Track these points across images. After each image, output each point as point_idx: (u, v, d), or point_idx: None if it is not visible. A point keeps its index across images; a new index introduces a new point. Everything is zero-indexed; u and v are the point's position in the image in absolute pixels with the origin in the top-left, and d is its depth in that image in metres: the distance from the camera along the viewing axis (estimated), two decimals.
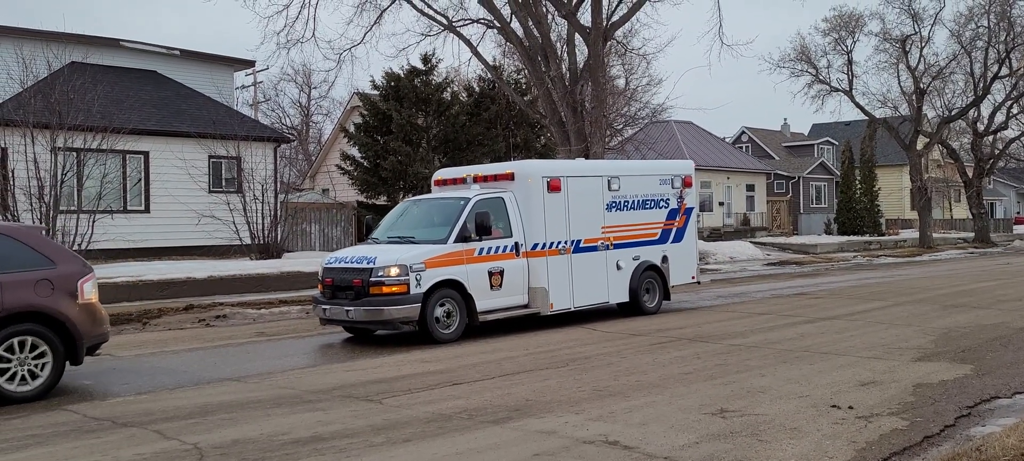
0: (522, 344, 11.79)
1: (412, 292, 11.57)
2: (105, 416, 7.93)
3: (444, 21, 25.30)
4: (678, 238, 15.28)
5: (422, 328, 11.72)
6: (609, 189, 14.17)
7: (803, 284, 21.60)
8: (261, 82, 46.38)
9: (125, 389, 9.33)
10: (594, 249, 13.86)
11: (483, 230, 12.24)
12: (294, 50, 51.76)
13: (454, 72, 34.45)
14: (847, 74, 41.76)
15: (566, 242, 13.43)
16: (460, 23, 25.66)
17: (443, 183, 14.17)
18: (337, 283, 12.01)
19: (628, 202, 14.44)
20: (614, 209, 14.23)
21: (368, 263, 11.78)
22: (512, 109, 31.25)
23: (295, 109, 52.25)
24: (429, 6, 25.16)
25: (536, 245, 13.03)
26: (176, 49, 28.73)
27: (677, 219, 15.26)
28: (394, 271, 11.58)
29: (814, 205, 55.97)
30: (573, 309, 13.55)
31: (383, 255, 11.88)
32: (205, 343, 12.81)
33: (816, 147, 60.93)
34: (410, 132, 28.96)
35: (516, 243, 12.85)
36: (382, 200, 29.64)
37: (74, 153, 20.82)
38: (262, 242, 23.79)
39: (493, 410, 7.76)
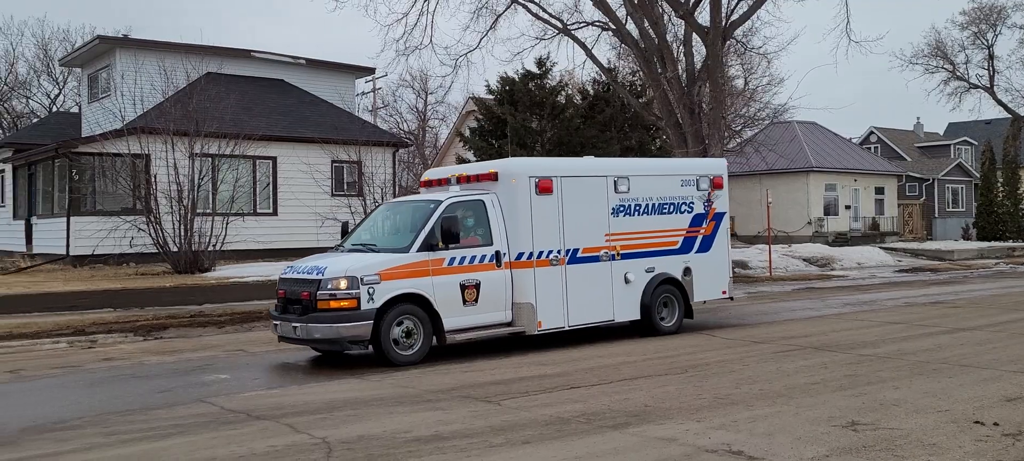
0: (639, 349, 11.64)
1: (363, 308, 10.14)
2: (240, 408, 8.32)
3: (559, 24, 25.35)
4: (705, 247, 13.38)
5: (376, 349, 10.38)
6: (615, 191, 12.37)
7: (939, 292, 20.43)
8: (380, 88, 47.78)
9: (257, 383, 9.77)
10: (595, 260, 12.07)
11: (452, 237, 10.67)
12: (412, 57, 52.94)
13: (568, 75, 34.47)
14: (988, 70, 39.36)
15: (559, 251, 11.68)
16: (575, 26, 25.66)
17: (428, 184, 12.66)
18: (288, 295, 10.75)
19: (640, 206, 12.62)
20: (622, 214, 12.41)
21: (317, 274, 10.43)
22: (627, 111, 30.97)
23: (412, 114, 53.53)
24: (544, 10, 25.29)
25: (521, 255, 11.33)
26: (302, 58, 29.93)
27: (704, 225, 13.38)
28: (342, 284, 10.16)
29: (950, 209, 52.89)
30: (567, 328, 11.74)
31: (335, 265, 10.53)
32: None
33: (952, 147, 57.57)
34: (524, 135, 29.15)
35: (497, 252, 11.21)
36: None
37: (209, 158, 22.03)
38: None
39: (611, 415, 7.69)
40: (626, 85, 30.89)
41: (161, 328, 14.42)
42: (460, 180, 11.98)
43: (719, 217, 13.61)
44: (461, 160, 30.74)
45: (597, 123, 30.14)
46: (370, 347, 10.46)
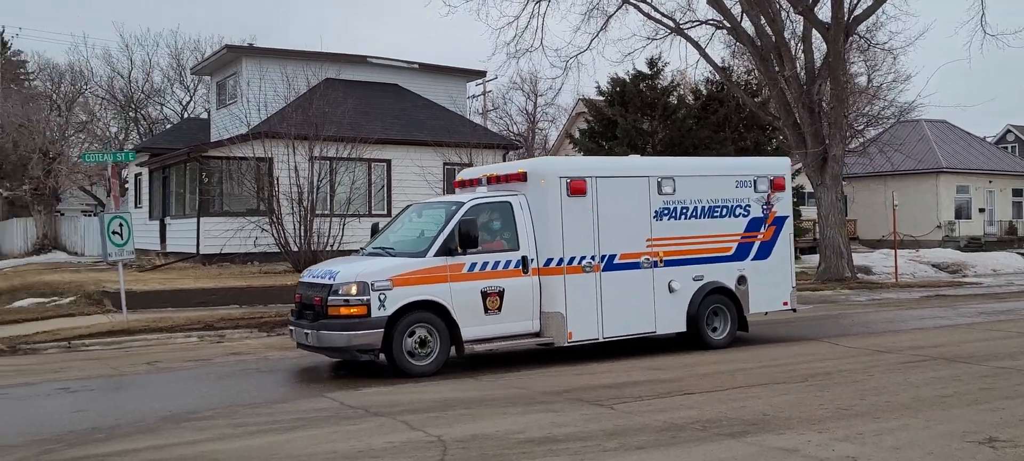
0: (754, 356, 11.32)
1: (373, 315, 9.70)
2: (358, 404, 8.57)
3: (671, 24, 24.97)
4: (763, 254, 12.36)
5: (388, 359, 9.95)
6: (659, 193, 11.55)
7: None
8: (490, 91, 48.29)
9: (373, 380, 10.02)
10: (635, 266, 11.29)
11: (470, 241, 10.09)
12: (523, 59, 53.42)
13: (680, 75, 33.91)
14: None
15: (593, 257, 10.98)
16: (688, 25, 25.22)
17: (462, 184, 12.11)
18: (304, 300, 10.49)
19: (687, 209, 11.76)
20: (666, 217, 11.57)
21: (329, 279, 10.12)
22: (742, 111, 30.22)
23: (521, 116, 53.85)
24: (656, 9, 24.96)
25: (550, 261, 10.72)
26: (415, 63, 30.59)
27: (762, 230, 12.37)
28: (353, 290, 9.79)
29: None
30: (602, 340, 11.04)
31: (348, 269, 10.18)
32: None
33: None
34: (635, 137, 28.86)
35: (524, 257, 10.61)
36: None
37: (327, 161, 22.80)
38: None
39: (728, 423, 7.50)
40: (741, 84, 30.14)
41: (283, 325, 14.98)
42: (490, 180, 11.42)
43: (780, 221, 12.57)
44: None
45: (710, 124, 29.53)
46: (381, 356, 10.02)
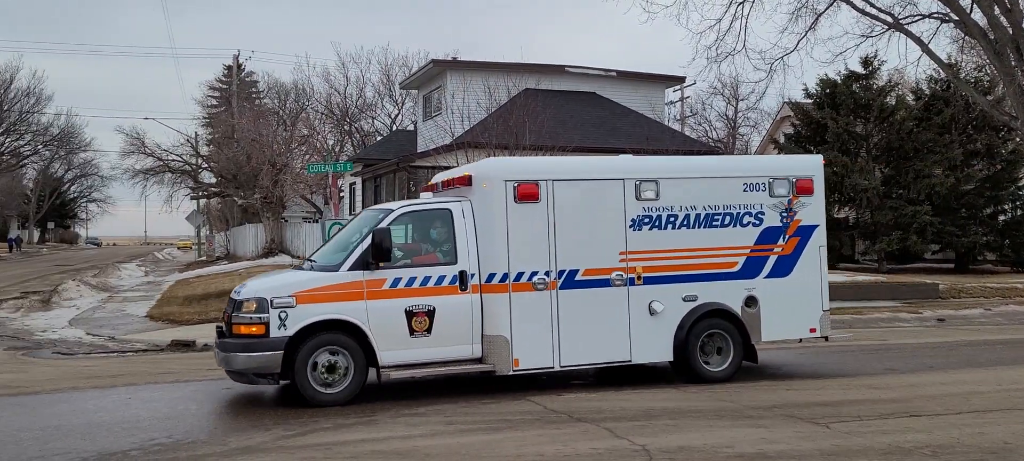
0: (992, 377, 10.28)
1: (272, 335, 8.73)
2: (562, 409, 8.63)
3: (888, 19, 23.28)
4: (781, 271, 10.30)
5: (292, 384, 8.88)
6: (638, 198, 9.78)
7: None
8: (688, 97, 47.38)
9: (576, 386, 10.06)
10: (603, 284, 9.65)
11: (384, 253, 8.91)
12: (724, 63, 51.99)
13: (896, 74, 31.57)
14: None
15: (547, 273, 9.46)
16: (908, 20, 23.41)
17: (429, 189, 10.85)
18: (226, 317, 9.49)
19: (675, 217, 9.92)
20: (647, 227, 9.80)
21: (237, 294, 9.29)
22: (971, 111, 27.65)
23: (721, 122, 52.39)
24: (871, 5, 23.37)
25: (493, 276, 9.33)
26: (613, 71, 30.60)
27: (780, 242, 10.30)
28: (252, 306, 8.86)
29: None
30: (558, 369, 9.53)
31: (257, 283, 9.43)
32: None
33: None
34: (847, 141, 27.20)
35: (461, 273, 9.29)
36: None
37: None
38: None
39: (963, 449, 6.84)
40: (970, 81, 27.58)
41: None
42: (444, 185, 10.25)
43: (806, 232, 10.44)
44: None
45: (934, 125, 27.25)
46: (280, 382, 9.01)
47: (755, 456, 6.76)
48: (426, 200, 10.08)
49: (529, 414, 8.49)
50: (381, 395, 9.57)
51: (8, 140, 53.05)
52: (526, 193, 9.48)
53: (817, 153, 27.77)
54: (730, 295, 10.10)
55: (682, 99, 46.63)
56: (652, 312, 9.79)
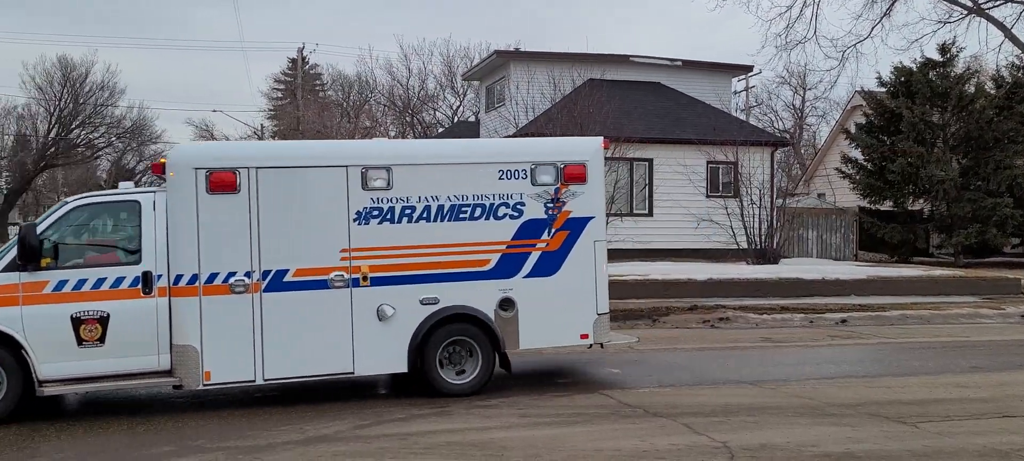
0: None
1: None
2: (637, 404, 8.51)
3: (968, 4, 22.45)
4: (546, 269, 9.16)
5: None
6: (365, 187, 8.70)
7: None
8: (754, 87, 46.47)
9: (648, 380, 9.92)
10: (320, 286, 8.55)
11: (31, 253, 7.89)
12: (794, 51, 50.49)
13: (974, 61, 30.40)
14: None
15: (248, 273, 8.37)
16: (989, 5, 22.54)
17: (156, 169, 9.66)
18: None
19: (412, 209, 8.80)
20: (376, 221, 8.71)
21: None
22: None
23: (788, 112, 51.27)
24: None
25: (181, 278, 8.24)
26: (678, 60, 30.14)
27: (545, 236, 9.15)
28: None
29: None
30: (261, 382, 8.47)
31: None
32: (712, 344, 13.09)
33: None
34: (923, 131, 26.29)
35: (145, 273, 8.19)
36: (887, 205, 27.43)
37: None
38: (758, 247, 23.68)
39: None
40: None
41: None
42: (152, 172, 9.26)
43: (577, 225, 9.24)
44: (846, 159, 28.65)
45: (1015, 114, 26.14)
46: None
47: (842, 456, 6.56)
48: (115, 191, 9.07)
49: (603, 408, 8.40)
50: None
51: (83, 133, 54.93)
52: (221, 182, 8.33)
53: (891, 144, 27.04)
54: (481, 297, 8.95)
55: (747, 89, 45.78)
56: (381, 317, 8.66)
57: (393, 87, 51.03)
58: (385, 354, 8.70)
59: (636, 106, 27.22)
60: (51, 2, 75.81)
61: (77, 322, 8.00)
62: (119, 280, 8.18)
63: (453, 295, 8.86)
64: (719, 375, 10.22)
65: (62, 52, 57.00)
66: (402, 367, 8.75)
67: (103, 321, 8.06)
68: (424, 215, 8.83)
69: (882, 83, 27.97)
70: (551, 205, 9.18)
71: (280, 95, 65.65)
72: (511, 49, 34.06)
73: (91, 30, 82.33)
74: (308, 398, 9.20)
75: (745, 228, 23.61)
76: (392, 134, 51.73)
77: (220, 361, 8.26)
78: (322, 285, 8.55)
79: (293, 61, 58.93)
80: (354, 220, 8.65)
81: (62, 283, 8.05)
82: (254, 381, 8.40)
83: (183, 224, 8.25)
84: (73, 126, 53.56)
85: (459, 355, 8.99)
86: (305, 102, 51.70)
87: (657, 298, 18.53)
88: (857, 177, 28.02)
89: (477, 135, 33.74)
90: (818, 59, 70.74)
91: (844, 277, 19.81)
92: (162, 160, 8.60)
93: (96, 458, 6.95)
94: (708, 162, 25.75)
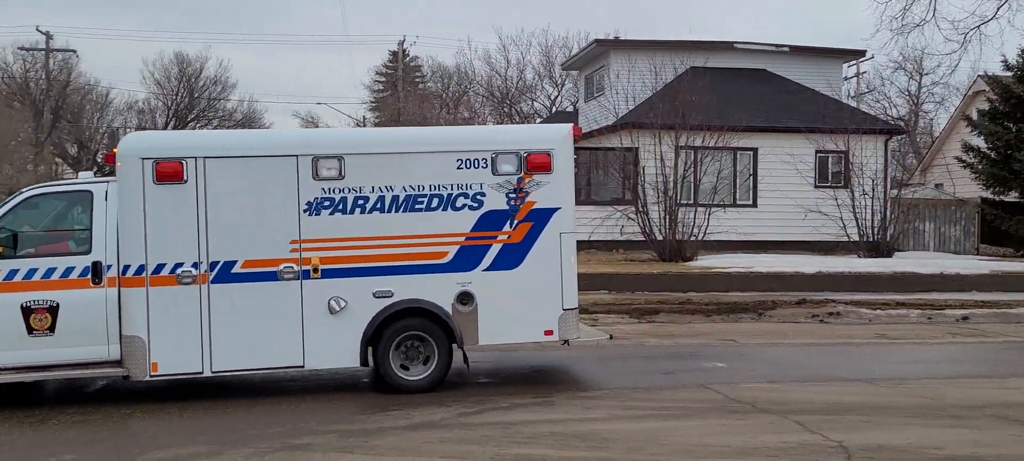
0: None
1: None
2: (744, 399, 8.27)
3: None
4: (507, 262, 8.79)
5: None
6: (316, 177, 8.49)
7: None
8: (866, 72, 44.58)
9: (755, 375, 9.64)
10: (269, 278, 8.41)
11: None
12: (912, 34, 48.01)
13: None
14: None
15: (196, 264, 8.30)
16: None
17: (108, 158, 9.60)
18: None
19: (365, 200, 8.58)
20: (327, 211, 8.51)
21: None
22: None
23: (902, 98, 48.95)
24: None
25: (128, 268, 8.22)
26: (785, 46, 29.19)
27: (507, 229, 8.78)
28: None
29: None
30: (210, 374, 8.38)
31: None
32: (821, 339, 12.62)
33: None
34: None
35: (95, 263, 8.24)
36: (1012, 196, 25.83)
37: (692, 151, 22.64)
38: (871, 240, 22.73)
39: None
40: None
41: (653, 312, 15.15)
42: (106, 161, 9.12)
43: (541, 216, 8.83)
44: (968, 147, 27.11)
45: None
46: None
47: (968, 459, 6.20)
48: (70, 181, 9.02)
49: (708, 403, 8.20)
50: (556, 376, 9.55)
51: (198, 126, 57.57)
52: (167, 172, 8.28)
53: (1016, 131, 25.44)
54: (438, 290, 8.66)
55: (858, 75, 43.95)
56: (332, 310, 8.47)
57: (491, 78, 51.33)
58: (337, 348, 8.54)
59: (740, 94, 26.52)
60: (170, 1, 79.67)
61: (27, 311, 8.10)
62: (69, 270, 8.27)
63: (408, 288, 8.62)
64: (830, 372, 9.84)
65: (179, 48, 59.77)
66: (354, 361, 8.59)
67: (53, 310, 8.15)
68: (378, 206, 8.60)
69: (1008, 66, 26.33)
70: (513, 196, 8.80)
71: (381, 87, 67.04)
72: (611, 38, 33.72)
73: (205, 26, 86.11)
74: None
75: (856, 220, 22.71)
76: (490, 124, 52.07)
77: (167, 352, 8.25)
78: (271, 277, 8.43)
79: (394, 54, 60.07)
80: (305, 211, 8.49)
81: (13, 272, 8.18)
82: (202, 373, 8.37)
83: (131, 214, 8.25)
84: (189, 119, 56.15)
85: (416, 350, 8.75)
86: (405, 94, 52.64)
87: (762, 291, 18.05)
88: (979, 166, 26.50)
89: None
90: (937, 42, 66.90)
91: (965, 272, 18.85)
92: (115, 150, 8.56)
93: (218, 434, 7.24)
94: (816, 151, 24.86)
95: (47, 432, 7.46)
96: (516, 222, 8.78)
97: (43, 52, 47.48)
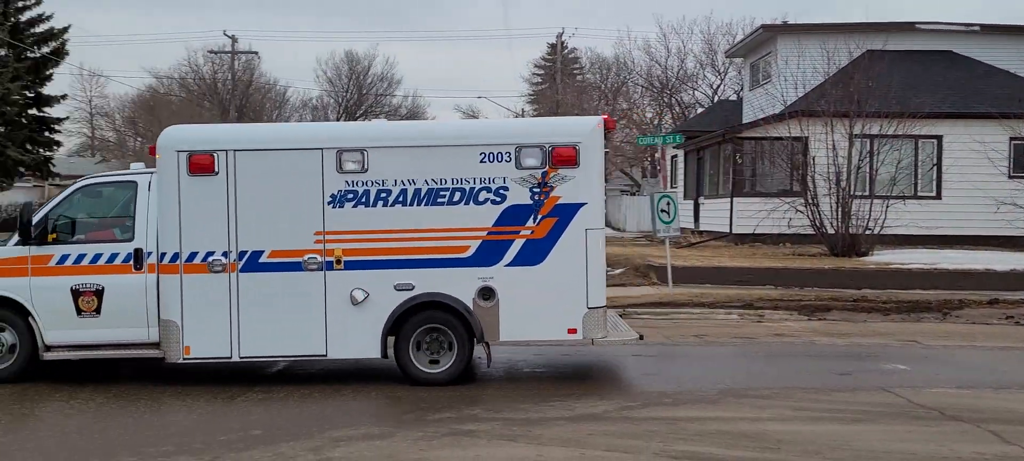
0: None
1: None
2: (931, 405, 7.69)
3: None
4: (530, 258, 8.58)
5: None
6: (340, 170, 8.57)
7: None
8: None
9: (942, 380, 8.95)
10: (294, 268, 8.57)
11: (26, 228, 8.75)
12: None
13: None
14: None
15: (225, 253, 8.57)
16: None
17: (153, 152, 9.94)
18: None
19: (388, 193, 8.57)
20: (350, 204, 8.57)
21: None
22: None
23: None
24: None
25: (165, 256, 8.63)
26: (974, 25, 26.95)
27: (531, 224, 8.58)
28: None
29: None
30: (239, 360, 8.63)
31: None
32: (1018, 342, 11.56)
33: None
34: None
35: (137, 250, 8.78)
36: None
37: (868, 139, 21.32)
38: None
39: None
40: None
41: (824, 310, 14.39)
42: (150, 154, 9.39)
43: (566, 211, 8.55)
44: None
45: None
46: None
47: None
48: (119, 172, 9.71)
49: (890, 407, 7.69)
50: (719, 374, 9.26)
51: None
52: (200, 165, 8.62)
53: None
54: (458, 285, 8.59)
55: None
56: (354, 301, 8.57)
57: (651, 67, 50.53)
58: (358, 339, 8.65)
59: (923, 77, 24.74)
60: (340, 2, 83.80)
61: (76, 293, 8.77)
62: (114, 256, 8.84)
63: (429, 282, 8.63)
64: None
65: (349, 47, 62.82)
66: (375, 353, 8.64)
67: (99, 294, 8.77)
68: (400, 199, 8.64)
69: None
70: (537, 190, 8.64)
71: (539, 80, 67.63)
72: (778, 22, 32.37)
73: (372, 25, 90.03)
74: (574, 377, 9.34)
75: None
76: (648, 115, 51.36)
77: (199, 337, 8.61)
78: (296, 267, 8.62)
79: (552, 46, 60.40)
80: (329, 203, 8.63)
81: (65, 257, 8.85)
82: (230, 358, 8.66)
83: (168, 204, 8.66)
84: (357, 115, 58.91)
85: (436, 343, 8.73)
86: (563, 85, 52.81)
87: (947, 289, 16.76)
88: None
89: (738, 113, 32.50)
90: None
91: None
92: (154, 144, 8.97)
93: (388, 418, 7.53)
94: (1011, 138, 22.85)
95: (238, 407, 8.01)
96: (540, 217, 8.65)
97: (229, 54, 51.27)
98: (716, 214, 26.74)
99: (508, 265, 8.65)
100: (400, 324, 8.62)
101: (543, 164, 8.62)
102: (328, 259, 8.63)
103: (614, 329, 9.28)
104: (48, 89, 36.69)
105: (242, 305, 8.63)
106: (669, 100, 50.54)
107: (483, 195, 8.64)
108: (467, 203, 8.64)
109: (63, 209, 9.02)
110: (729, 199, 25.11)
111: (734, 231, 24.66)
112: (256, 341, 8.66)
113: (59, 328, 8.80)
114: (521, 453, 6.47)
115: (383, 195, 8.63)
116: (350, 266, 8.63)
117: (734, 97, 42.68)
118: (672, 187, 34.02)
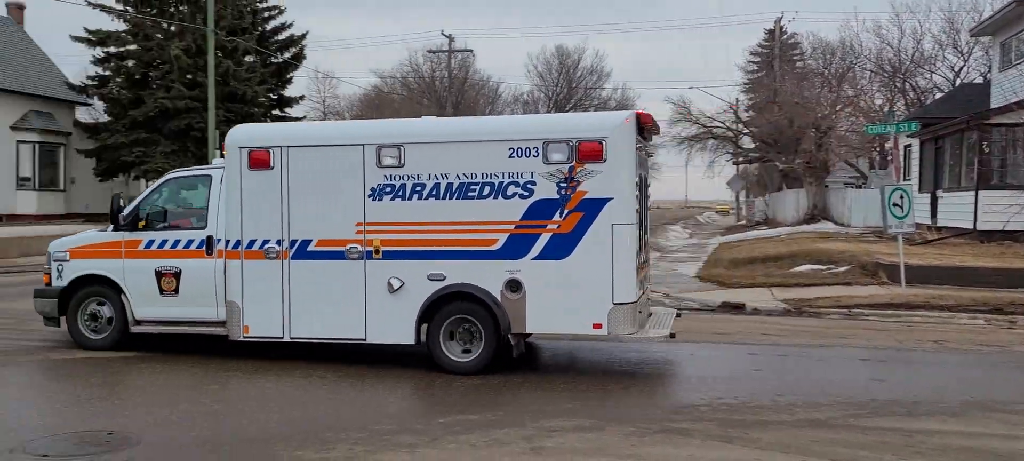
0: None
1: (53, 284, 10.41)
2: None
3: None
4: (557, 252, 8.57)
5: (70, 329, 10.37)
6: (379, 165, 9.01)
7: None
8: None
9: None
10: (338, 257, 9.16)
11: (115, 216, 10.13)
12: None
13: None
14: None
15: (279, 242, 9.37)
16: None
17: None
18: None
19: (422, 187, 8.91)
20: (388, 197, 9.01)
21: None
22: None
23: None
24: None
25: (229, 243, 9.56)
26: None
27: (557, 219, 8.59)
28: (46, 259, 10.63)
29: None
30: (289, 340, 9.33)
31: (60, 239, 10.91)
32: None
33: None
34: None
35: (209, 238, 9.83)
36: None
37: None
38: None
39: None
40: None
41: None
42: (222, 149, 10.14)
43: (593, 206, 8.55)
44: None
45: None
46: (62, 324, 10.40)
47: None
48: (202, 166, 10.63)
49: None
50: (965, 385, 8.38)
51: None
52: (258, 160, 9.39)
53: None
54: (487, 277, 8.77)
55: None
56: (392, 289, 9.00)
57: (881, 50, 46.92)
58: (394, 325, 9.04)
59: None
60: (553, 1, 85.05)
61: (159, 275, 9.96)
62: (190, 242, 9.93)
63: (459, 273, 8.88)
64: None
65: (559, 42, 63.60)
66: (410, 339, 8.98)
67: (177, 275, 9.91)
68: (433, 192, 8.94)
69: None
70: (564, 185, 8.67)
71: (756, 68, 64.91)
72: None
73: (582, 19, 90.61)
74: (791, 377, 8.83)
75: None
76: (878, 102, 47.70)
77: (256, 317, 9.43)
78: (339, 256, 9.18)
79: (770, 32, 57.79)
80: (369, 196, 9.09)
81: (151, 242, 10.06)
82: (282, 338, 9.37)
83: (232, 196, 9.54)
84: (566, 108, 59.55)
85: (466, 333, 8.95)
86: (782, 73, 50.29)
87: None
88: None
89: (985, 98, 29.35)
90: None
91: None
92: (225, 142, 9.83)
93: (598, 410, 7.49)
94: None
95: (453, 392, 8.30)
96: (566, 212, 8.68)
97: (446, 53, 53.61)
98: (957, 209, 24.35)
99: (535, 258, 8.77)
100: (432, 313, 9.00)
101: (570, 159, 8.67)
102: (368, 249, 9.14)
103: (659, 325, 9.23)
104: (288, 91, 40.29)
105: (293, 290, 9.36)
106: (902, 85, 46.68)
107: (511, 189, 8.82)
108: (496, 197, 8.86)
109: (153, 199, 10.22)
110: (973, 192, 22.77)
111: (978, 228, 22.34)
112: (304, 323, 9.37)
113: (145, 305, 10.06)
114: (737, 455, 6.18)
115: (418, 189, 9.02)
116: (388, 256, 9.10)
117: (979, 80, 38.68)
118: (905, 179, 31.41)
